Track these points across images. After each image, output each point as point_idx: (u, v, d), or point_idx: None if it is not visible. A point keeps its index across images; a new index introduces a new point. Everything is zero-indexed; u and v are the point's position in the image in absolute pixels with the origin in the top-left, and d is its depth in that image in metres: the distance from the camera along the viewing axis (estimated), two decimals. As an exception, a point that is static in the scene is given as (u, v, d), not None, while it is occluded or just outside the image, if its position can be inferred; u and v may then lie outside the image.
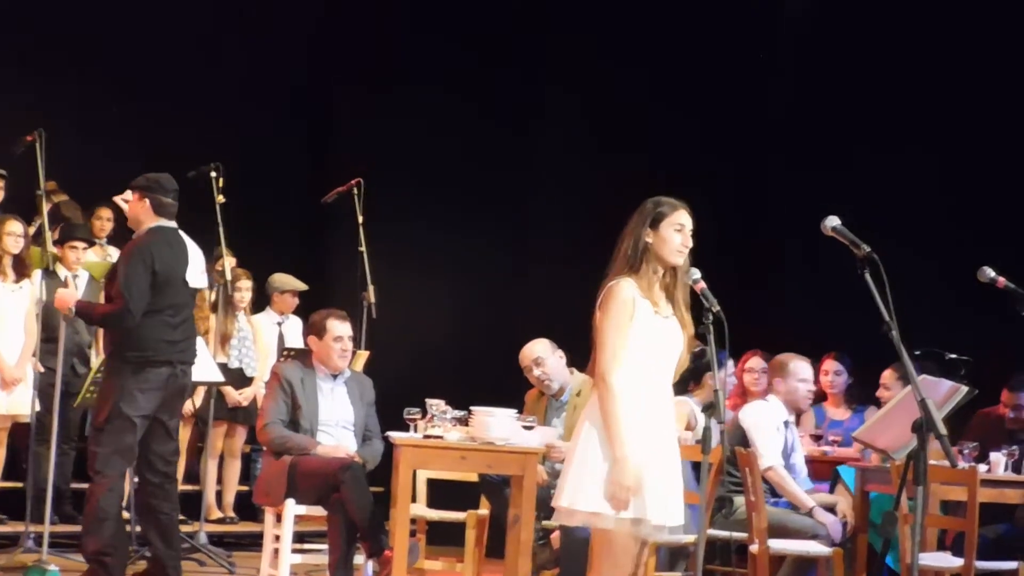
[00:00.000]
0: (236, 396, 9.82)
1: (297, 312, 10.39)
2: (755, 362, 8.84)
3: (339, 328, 7.87)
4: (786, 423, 8.03)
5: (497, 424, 7.33)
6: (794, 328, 10.20)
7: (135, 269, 7.21)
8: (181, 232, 7.51)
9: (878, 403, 8.62)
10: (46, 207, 8.65)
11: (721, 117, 11.38)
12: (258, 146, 11.36)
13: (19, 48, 10.61)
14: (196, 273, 7.51)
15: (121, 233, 10.08)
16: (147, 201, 7.40)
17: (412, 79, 11.60)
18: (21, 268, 8.82)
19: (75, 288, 7.96)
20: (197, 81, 11.19)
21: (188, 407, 9.29)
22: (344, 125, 11.94)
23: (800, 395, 8.09)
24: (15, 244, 8.75)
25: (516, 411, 7.66)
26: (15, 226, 8.78)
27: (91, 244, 9.58)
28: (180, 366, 7.41)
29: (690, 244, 5.25)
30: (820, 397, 9.66)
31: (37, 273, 8.72)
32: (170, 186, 7.47)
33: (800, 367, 8.11)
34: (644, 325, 5.16)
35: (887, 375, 8.44)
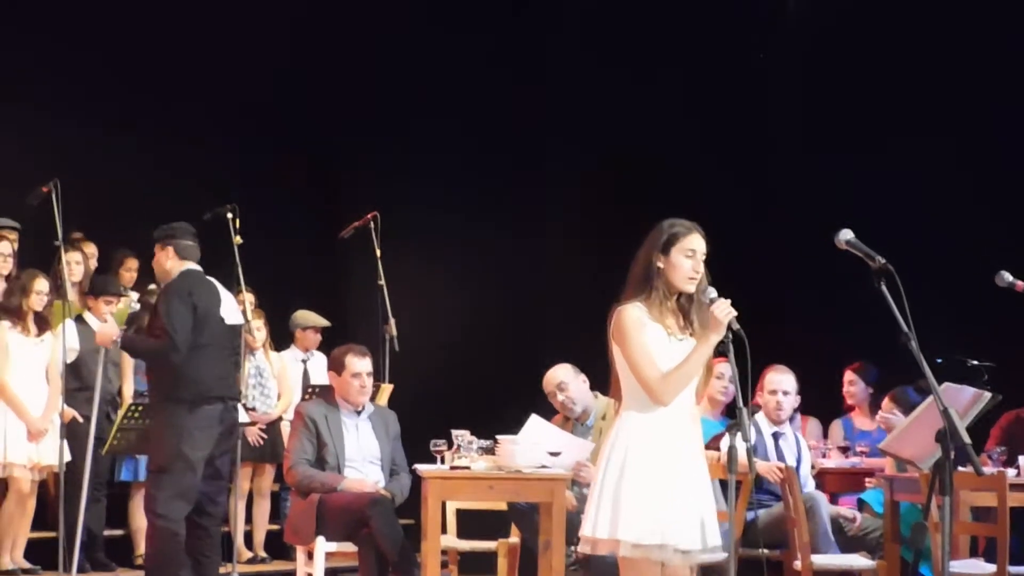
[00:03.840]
0: (255, 435, 9.82)
1: (321, 348, 10.42)
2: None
3: (358, 364, 7.88)
4: (776, 435, 8.03)
5: (523, 451, 7.34)
6: (816, 339, 10.23)
7: (176, 305, 7.26)
8: (208, 277, 7.59)
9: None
10: (65, 256, 8.72)
11: (729, 123, 11.39)
12: (271, 184, 11.40)
13: (32, 97, 10.67)
14: (231, 311, 7.57)
15: (143, 280, 10.18)
16: (170, 248, 7.49)
17: (423, 110, 11.63)
18: (42, 323, 8.88)
19: (114, 322, 7.97)
20: (208, 121, 11.24)
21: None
22: (356, 159, 11.98)
23: (770, 407, 8.10)
24: (40, 302, 8.81)
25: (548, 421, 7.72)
26: (43, 284, 8.83)
27: (122, 297, 9.64)
28: (231, 402, 7.48)
29: (701, 270, 5.19)
30: (848, 408, 9.67)
31: (67, 323, 8.77)
32: (187, 230, 7.58)
33: (772, 379, 8.11)
34: (656, 348, 5.15)
35: (886, 404, 8.42)
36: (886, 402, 8.43)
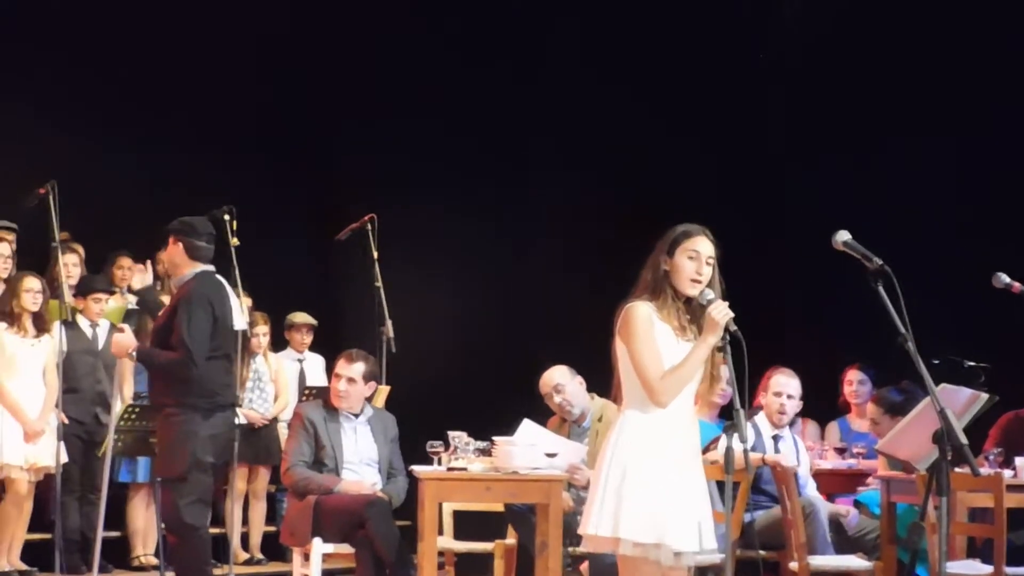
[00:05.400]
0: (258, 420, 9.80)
1: (318, 350, 10.42)
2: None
3: (339, 367, 7.93)
4: (775, 437, 8.03)
5: (520, 453, 7.34)
6: (820, 338, 10.23)
7: (199, 318, 7.19)
8: (218, 276, 7.54)
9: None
10: (62, 259, 8.70)
11: (724, 124, 11.39)
12: (269, 186, 11.40)
13: (29, 100, 10.66)
14: (238, 315, 7.55)
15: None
16: (180, 245, 7.40)
17: (421, 112, 11.62)
18: (40, 323, 8.86)
19: (131, 333, 7.94)
20: (205, 123, 11.23)
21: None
22: (354, 161, 11.97)
23: (773, 409, 8.09)
24: (33, 301, 8.79)
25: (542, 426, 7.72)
26: (32, 283, 8.81)
27: (111, 293, 9.61)
28: (233, 408, 7.50)
29: (705, 272, 5.17)
30: (844, 410, 9.67)
31: (56, 325, 8.75)
32: (203, 229, 7.47)
33: (778, 381, 8.10)
34: (664, 349, 5.15)
35: (871, 409, 8.42)
36: (870, 406, 8.43)
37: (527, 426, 7.77)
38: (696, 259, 5.18)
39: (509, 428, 7.72)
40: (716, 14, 11.55)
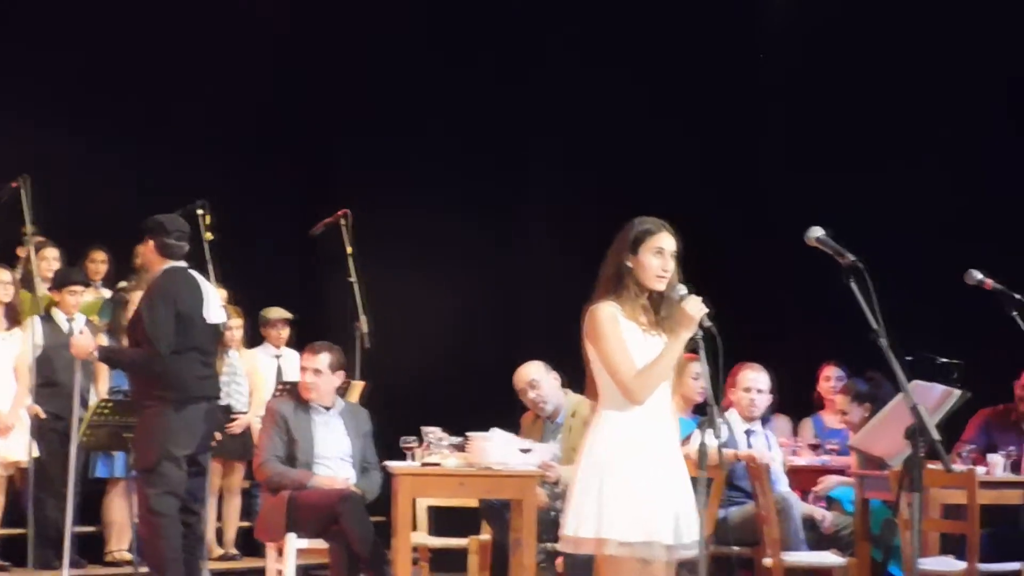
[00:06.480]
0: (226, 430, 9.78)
1: (296, 346, 10.39)
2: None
3: (304, 360, 7.92)
4: (748, 432, 8.04)
5: (494, 449, 7.34)
6: (795, 335, 10.24)
7: (159, 312, 7.28)
8: (192, 271, 7.59)
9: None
10: (33, 252, 8.67)
11: (714, 126, 11.40)
12: (244, 180, 11.37)
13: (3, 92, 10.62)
14: (214, 309, 7.59)
15: (117, 275, 10.14)
16: (151, 243, 7.49)
17: (400, 109, 11.60)
18: (12, 315, 8.82)
19: (89, 334, 7.92)
20: (182, 116, 11.20)
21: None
22: (331, 154, 11.95)
23: (743, 404, 8.09)
24: (4, 292, 8.75)
25: (513, 435, 7.68)
26: (3, 274, 8.77)
27: (87, 286, 9.58)
28: (214, 401, 7.57)
29: (670, 268, 5.17)
30: (818, 406, 9.69)
31: (33, 319, 8.71)
32: (172, 227, 7.52)
33: (746, 376, 8.10)
34: (632, 346, 5.13)
35: (839, 399, 8.44)
36: (839, 396, 8.46)
37: (496, 435, 7.71)
38: (662, 255, 5.18)
39: (485, 424, 7.70)
40: (716, 14, 11.55)
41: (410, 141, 11.56)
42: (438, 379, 10.98)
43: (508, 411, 8.53)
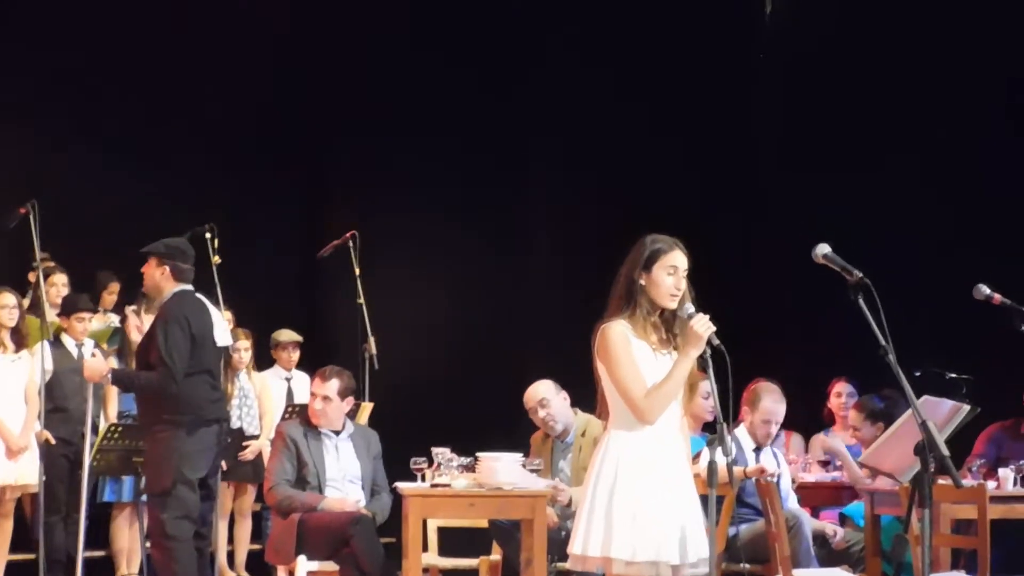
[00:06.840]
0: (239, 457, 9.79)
1: (304, 367, 10.39)
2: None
3: (314, 386, 7.97)
4: (756, 450, 8.03)
5: (503, 469, 7.34)
6: (804, 351, 10.21)
7: (175, 335, 7.35)
8: (199, 295, 7.68)
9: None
10: (42, 278, 8.70)
11: (714, 135, 11.39)
12: (251, 204, 11.37)
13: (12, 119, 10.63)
14: (221, 332, 7.69)
15: (122, 299, 10.15)
16: (167, 268, 7.56)
17: (400, 109, 11.58)
18: (19, 339, 8.84)
19: (101, 357, 7.94)
20: (186, 140, 11.20)
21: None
22: (337, 176, 11.94)
23: (758, 433, 8.06)
24: (10, 317, 8.78)
25: (522, 455, 7.67)
26: (8, 298, 8.80)
27: (95, 312, 9.62)
28: (224, 423, 7.63)
29: (683, 287, 5.18)
30: (829, 422, 9.67)
31: (42, 344, 8.73)
32: (189, 252, 7.69)
33: (768, 408, 8.01)
34: (643, 365, 5.14)
35: (853, 416, 8.43)
36: (852, 412, 8.45)
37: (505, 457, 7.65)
38: (674, 273, 5.19)
39: (494, 444, 7.70)
40: (716, 14, 11.55)
41: (410, 141, 11.53)
42: (446, 399, 10.91)
43: (518, 430, 8.55)
